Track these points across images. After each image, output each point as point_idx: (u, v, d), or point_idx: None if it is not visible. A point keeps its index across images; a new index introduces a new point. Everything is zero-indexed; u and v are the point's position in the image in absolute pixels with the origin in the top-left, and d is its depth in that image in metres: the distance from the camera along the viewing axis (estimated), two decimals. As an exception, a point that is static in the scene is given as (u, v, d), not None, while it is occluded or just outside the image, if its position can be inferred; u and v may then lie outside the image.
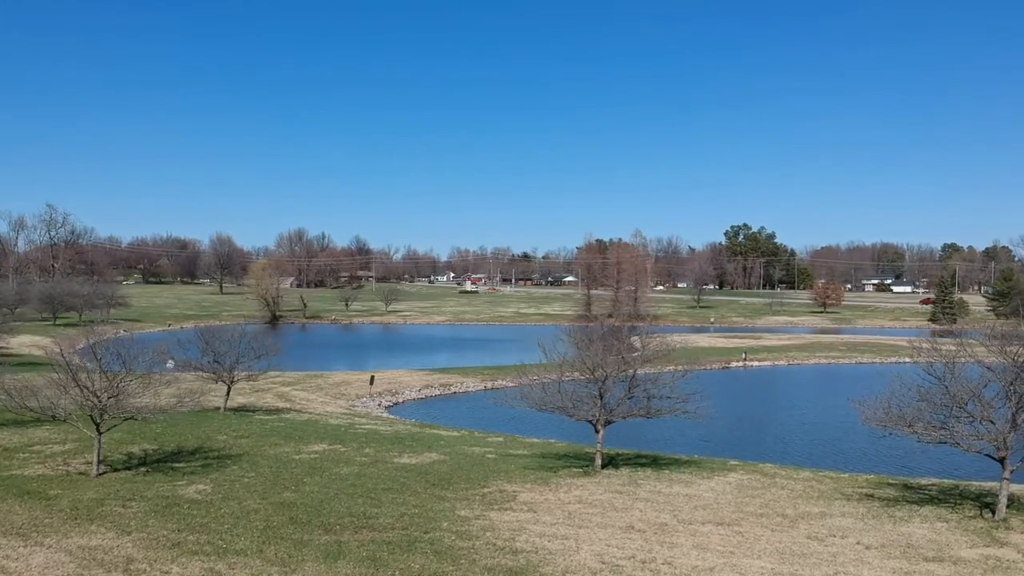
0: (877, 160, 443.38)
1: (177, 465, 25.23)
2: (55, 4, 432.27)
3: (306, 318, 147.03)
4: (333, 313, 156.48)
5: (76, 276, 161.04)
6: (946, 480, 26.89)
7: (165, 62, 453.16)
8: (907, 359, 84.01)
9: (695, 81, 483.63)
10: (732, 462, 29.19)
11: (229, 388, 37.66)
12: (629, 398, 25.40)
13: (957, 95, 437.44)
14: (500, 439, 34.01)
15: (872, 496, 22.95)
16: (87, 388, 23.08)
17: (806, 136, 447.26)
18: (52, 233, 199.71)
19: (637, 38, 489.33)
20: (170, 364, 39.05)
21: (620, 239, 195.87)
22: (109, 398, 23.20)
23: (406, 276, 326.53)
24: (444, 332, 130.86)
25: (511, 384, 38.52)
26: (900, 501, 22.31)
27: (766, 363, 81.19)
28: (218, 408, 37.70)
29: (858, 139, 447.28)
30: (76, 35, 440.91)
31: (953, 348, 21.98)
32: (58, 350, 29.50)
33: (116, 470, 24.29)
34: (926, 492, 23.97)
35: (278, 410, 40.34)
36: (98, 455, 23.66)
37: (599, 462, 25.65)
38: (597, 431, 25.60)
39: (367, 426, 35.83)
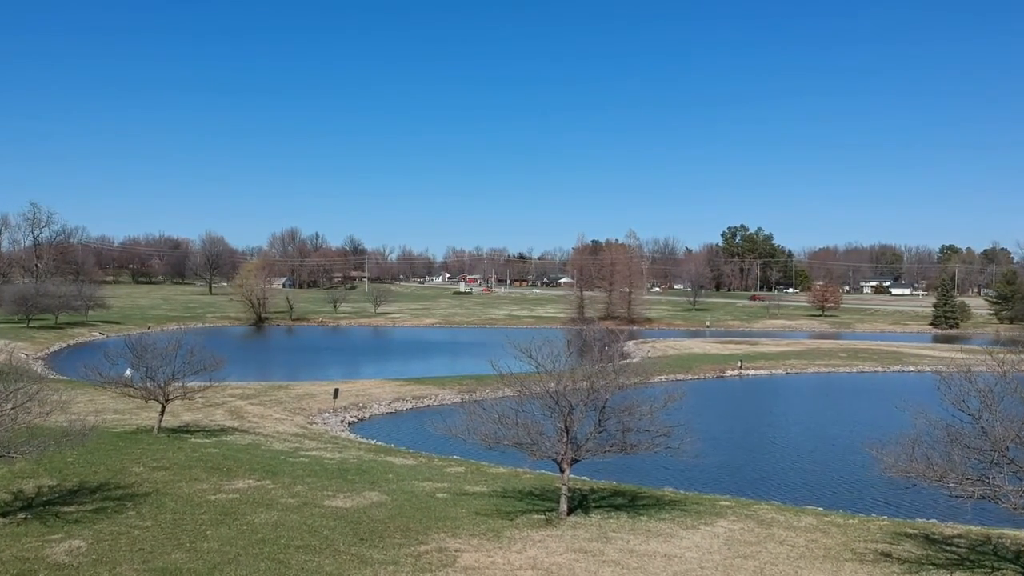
0: (875, 161, 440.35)
1: (66, 509, 21.27)
2: (52, 2, 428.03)
3: (292, 320, 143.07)
4: (321, 315, 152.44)
5: (59, 276, 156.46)
6: (973, 527, 22.98)
7: (160, 61, 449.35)
8: (910, 368, 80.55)
9: (693, 81, 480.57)
10: (723, 501, 25.28)
11: (163, 408, 33.71)
12: (600, 431, 21.49)
13: (956, 96, 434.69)
14: (461, 469, 30.08)
15: (889, 556, 19.04)
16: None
17: (804, 137, 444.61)
18: (36, 232, 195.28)
19: (634, 38, 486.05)
20: (128, 372, 35.18)
21: (617, 240, 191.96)
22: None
23: (401, 276, 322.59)
24: (433, 335, 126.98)
25: (489, 397, 34.84)
26: (922, 563, 18.41)
27: (763, 371, 77.18)
28: (152, 428, 33.80)
29: (856, 140, 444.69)
30: (73, 34, 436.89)
31: (985, 371, 18.05)
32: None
33: (-10, 516, 20.36)
34: (953, 548, 20.08)
35: (222, 430, 36.36)
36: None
37: (564, 507, 21.74)
38: (562, 470, 21.70)
39: (313, 452, 31.86)
